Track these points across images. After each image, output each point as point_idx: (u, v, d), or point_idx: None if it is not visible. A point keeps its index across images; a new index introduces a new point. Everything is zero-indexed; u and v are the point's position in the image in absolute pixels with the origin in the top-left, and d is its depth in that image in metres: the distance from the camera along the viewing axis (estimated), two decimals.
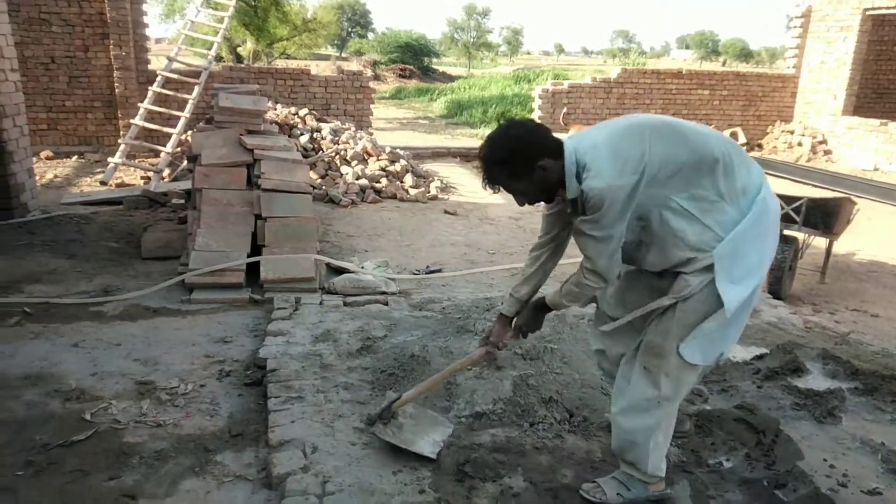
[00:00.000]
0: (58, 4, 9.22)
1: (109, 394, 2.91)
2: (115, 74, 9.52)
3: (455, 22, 52.15)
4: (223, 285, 4.17)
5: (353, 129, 9.23)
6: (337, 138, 8.54)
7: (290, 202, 4.70)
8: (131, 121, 8.46)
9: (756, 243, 1.96)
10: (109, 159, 7.96)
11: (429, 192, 7.78)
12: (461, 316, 3.60)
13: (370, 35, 47.16)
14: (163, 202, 6.48)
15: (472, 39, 49.80)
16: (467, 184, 8.76)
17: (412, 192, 7.66)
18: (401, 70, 30.19)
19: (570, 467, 2.41)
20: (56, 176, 8.08)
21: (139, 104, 8.65)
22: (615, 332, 2.24)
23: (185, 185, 6.80)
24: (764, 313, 4.13)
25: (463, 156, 10.95)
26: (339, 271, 4.61)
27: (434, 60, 38.22)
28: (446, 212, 7.06)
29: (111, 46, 9.43)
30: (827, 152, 11.74)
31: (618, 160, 1.87)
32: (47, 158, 9.06)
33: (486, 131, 13.08)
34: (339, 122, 9.47)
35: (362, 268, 4.69)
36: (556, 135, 2.01)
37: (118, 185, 7.61)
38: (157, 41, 38.34)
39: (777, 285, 4.66)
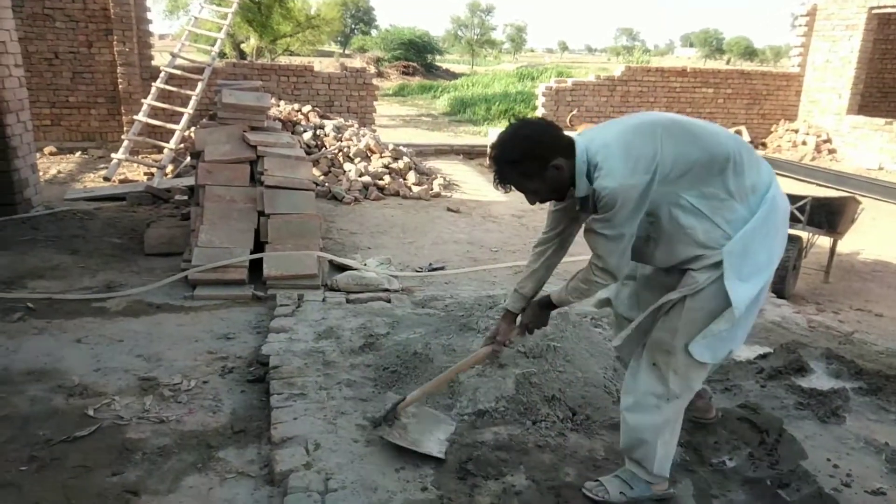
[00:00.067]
0: (62, 0, 9.22)
1: (112, 390, 2.92)
2: (118, 70, 9.53)
3: (459, 19, 52.15)
4: (226, 282, 4.18)
5: (356, 126, 9.22)
6: (340, 135, 8.53)
7: (293, 199, 4.70)
8: (134, 117, 8.46)
9: (765, 241, 1.96)
10: (113, 155, 7.96)
11: (432, 190, 7.77)
12: (464, 314, 3.59)
13: (374, 32, 47.06)
14: (166, 198, 6.48)
15: (475, 37, 49.79)
16: (470, 181, 8.76)
17: (415, 189, 7.65)
18: (404, 67, 30.16)
19: (572, 466, 2.41)
20: (59, 172, 8.09)
21: (142, 100, 8.65)
22: (629, 337, 2.22)
23: (189, 181, 6.80)
24: (768, 312, 4.12)
25: (466, 153, 10.94)
26: (342, 268, 4.61)
27: (437, 57, 38.18)
28: (449, 209, 7.06)
29: (115, 42, 9.43)
30: (831, 151, 11.70)
31: (630, 159, 1.86)
32: (51, 154, 9.08)
33: (489, 129, 13.06)
34: (342, 119, 9.47)
35: (365, 265, 4.68)
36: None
37: (121, 182, 7.62)
38: (161, 37, 38.31)
39: (781, 284, 4.65)
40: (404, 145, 9.45)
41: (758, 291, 1.97)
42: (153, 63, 10.01)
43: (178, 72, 8.97)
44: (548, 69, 29.06)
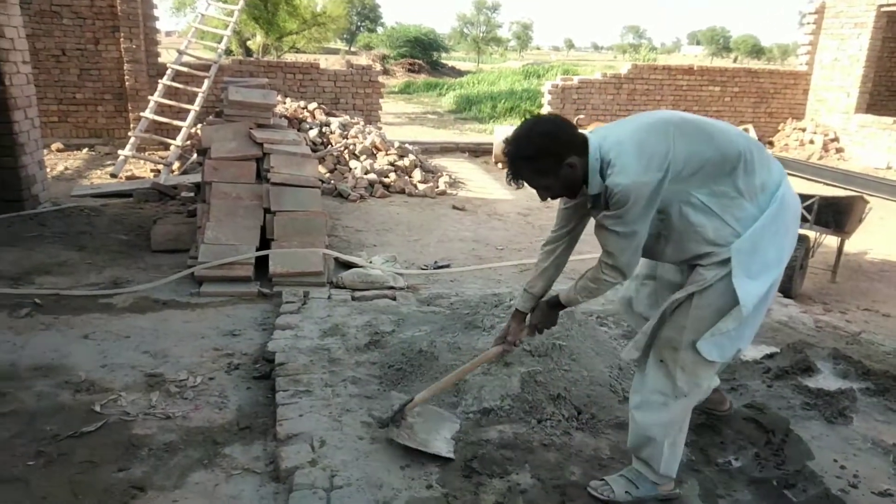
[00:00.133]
0: None
1: (119, 385, 2.93)
2: (125, 67, 9.56)
3: (464, 16, 52.05)
4: (232, 279, 4.19)
5: (361, 123, 9.23)
6: (346, 132, 8.54)
7: (298, 196, 4.70)
8: (141, 114, 8.48)
9: (775, 239, 1.96)
10: (119, 152, 7.99)
11: (437, 188, 7.77)
12: (469, 312, 3.59)
13: (379, 29, 47.06)
14: (172, 195, 6.50)
15: (481, 34, 49.68)
16: (476, 179, 8.75)
17: (420, 187, 7.65)
18: (410, 65, 30.15)
19: (577, 464, 2.41)
20: (66, 168, 8.12)
21: (149, 97, 8.67)
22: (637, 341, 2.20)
23: (195, 178, 6.82)
24: (774, 312, 4.10)
25: (472, 151, 10.92)
26: (348, 266, 4.62)
27: (443, 55, 38.14)
28: (455, 207, 7.05)
29: (122, 39, 9.46)
30: (839, 150, 11.64)
31: (643, 157, 1.86)
32: (58, 150, 9.12)
33: (494, 126, 13.04)
34: (347, 117, 9.47)
35: (370, 262, 4.69)
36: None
37: (128, 178, 7.65)
38: (168, 34, 38.44)
39: (788, 284, 4.63)
40: (410, 143, 9.45)
41: (766, 289, 1.97)
42: (160, 60, 10.04)
43: (185, 69, 8.98)
44: (554, 67, 29.00)
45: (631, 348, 2.16)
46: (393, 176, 7.74)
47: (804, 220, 4.79)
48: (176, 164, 7.88)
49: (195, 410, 2.76)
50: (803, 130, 12.25)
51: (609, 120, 11.30)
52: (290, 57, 20.24)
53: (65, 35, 9.37)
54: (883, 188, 6.78)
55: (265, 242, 4.52)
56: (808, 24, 12.45)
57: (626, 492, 2.19)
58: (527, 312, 2.35)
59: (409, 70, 29.48)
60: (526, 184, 1.98)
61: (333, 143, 8.19)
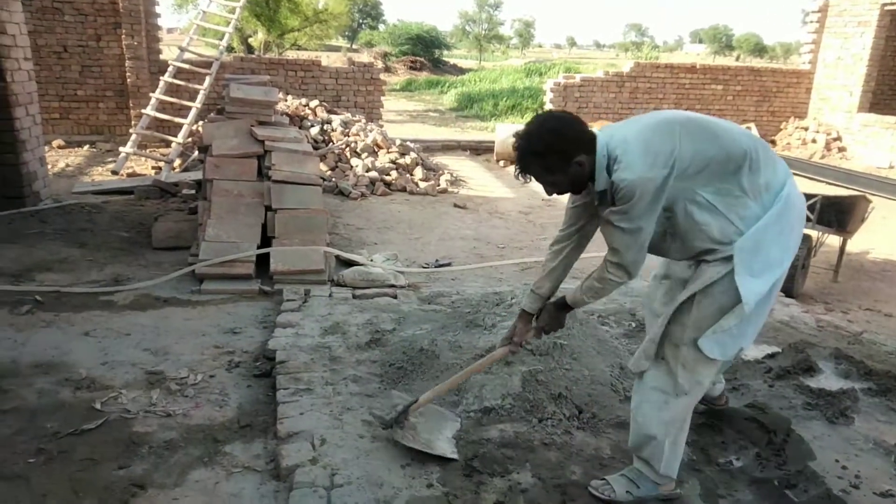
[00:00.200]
0: None
1: (119, 383, 2.93)
2: (126, 64, 9.55)
3: (466, 14, 52.03)
4: (233, 276, 4.18)
5: (363, 121, 9.22)
6: (347, 130, 8.53)
7: (300, 194, 4.70)
8: (143, 111, 8.48)
9: (778, 238, 1.96)
10: (121, 149, 7.99)
11: (438, 186, 7.76)
12: (470, 310, 3.58)
13: (381, 27, 47.06)
14: (173, 192, 6.50)
15: (483, 32, 49.64)
16: (477, 177, 8.74)
17: (422, 185, 7.64)
18: (411, 62, 30.10)
19: (578, 464, 2.40)
20: (68, 165, 8.12)
21: (151, 94, 8.68)
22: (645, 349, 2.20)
23: (196, 175, 6.81)
24: (776, 312, 4.09)
25: (473, 149, 10.91)
26: (349, 264, 4.61)
27: (445, 53, 38.10)
28: (456, 205, 7.04)
29: (123, 36, 9.45)
30: (841, 149, 11.61)
31: (649, 154, 1.88)
32: (59, 147, 9.11)
33: (496, 124, 13.02)
34: (349, 114, 9.47)
35: (371, 261, 4.68)
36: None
37: (129, 175, 7.65)
38: (169, 31, 38.47)
39: (789, 283, 4.62)
40: (411, 141, 9.44)
41: (769, 288, 1.96)
42: (161, 57, 10.04)
43: (187, 66, 8.98)
44: (556, 65, 28.93)
45: (640, 358, 2.14)
46: (394, 174, 7.73)
47: (807, 219, 4.78)
48: (177, 162, 7.88)
49: (196, 408, 2.76)
50: (806, 129, 12.22)
51: (612, 118, 11.29)
52: (291, 54, 20.22)
53: (66, 31, 9.37)
54: (885, 187, 6.76)
55: (266, 240, 4.52)
56: (812, 22, 12.41)
57: (627, 491, 2.19)
58: (533, 313, 2.34)
59: (411, 68, 29.43)
60: (533, 179, 1.99)
61: (335, 141, 8.18)
